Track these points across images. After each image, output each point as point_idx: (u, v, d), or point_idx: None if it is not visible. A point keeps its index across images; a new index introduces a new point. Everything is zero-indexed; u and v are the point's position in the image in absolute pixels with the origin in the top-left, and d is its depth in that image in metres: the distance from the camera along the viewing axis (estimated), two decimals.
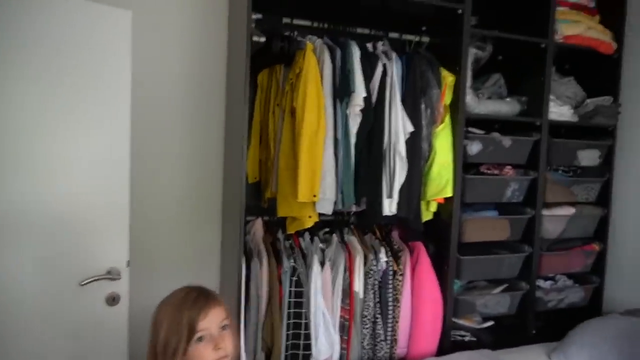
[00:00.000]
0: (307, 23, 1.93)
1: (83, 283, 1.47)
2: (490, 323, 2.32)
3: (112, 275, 1.54)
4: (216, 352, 1.06)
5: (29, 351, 1.42)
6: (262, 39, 1.72)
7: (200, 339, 1.05)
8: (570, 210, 2.25)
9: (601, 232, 2.33)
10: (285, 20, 1.90)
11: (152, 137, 2.01)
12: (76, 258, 1.49)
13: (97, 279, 1.51)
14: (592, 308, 2.34)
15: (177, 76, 2.04)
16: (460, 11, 1.93)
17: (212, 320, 1.07)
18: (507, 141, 2.09)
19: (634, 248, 2.32)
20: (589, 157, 2.24)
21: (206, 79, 2.09)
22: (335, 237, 2.02)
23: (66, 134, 1.46)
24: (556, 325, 2.25)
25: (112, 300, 1.57)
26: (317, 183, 1.75)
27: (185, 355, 1.04)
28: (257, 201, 2.14)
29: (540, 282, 2.33)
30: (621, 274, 2.36)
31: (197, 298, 1.08)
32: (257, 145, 2.09)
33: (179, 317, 1.04)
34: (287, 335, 1.80)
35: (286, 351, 1.80)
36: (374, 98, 1.86)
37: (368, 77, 1.82)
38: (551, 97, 2.15)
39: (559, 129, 2.36)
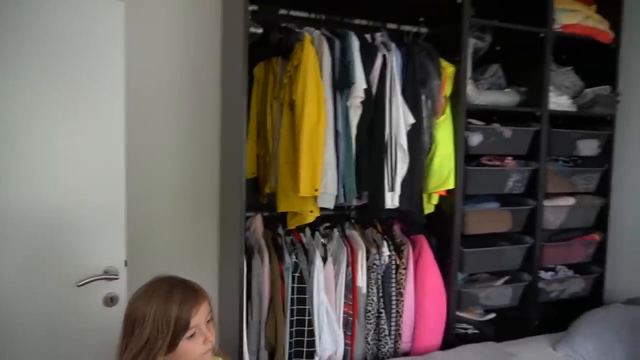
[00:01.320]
0: (304, 14, 1.89)
1: (80, 284, 1.43)
2: (492, 315, 2.31)
3: (109, 275, 1.50)
4: (205, 345, 1.04)
5: (27, 353, 1.38)
6: (259, 31, 1.68)
7: (192, 335, 1.02)
8: (570, 201, 2.24)
9: (601, 222, 2.33)
10: (282, 11, 1.86)
11: (147, 133, 1.96)
12: (72, 258, 1.45)
13: (95, 280, 1.46)
14: (594, 298, 2.33)
15: (171, 70, 1.99)
16: (459, 1, 1.90)
17: (202, 316, 1.05)
18: (507, 132, 2.08)
19: (634, 237, 2.32)
20: (588, 147, 2.23)
21: (201, 72, 2.04)
22: (336, 232, 1.99)
23: (60, 131, 1.41)
24: (558, 316, 2.25)
25: (110, 300, 1.52)
26: (319, 177, 1.72)
27: (173, 351, 1.00)
28: (256, 197, 2.10)
29: (542, 273, 2.32)
30: (622, 264, 2.35)
31: (185, 293, 1.05)
32: (254, 140, 2.05)
33: (168, 312, 1.00)
34: (291, 332, 1.77)
35: (290, 349, 1.76)
36: (374, 90, 1.83)
37: (368, 68, 1.79)
38: (550, 87, 2.14)
39: (557, 120, 2.35)
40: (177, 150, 2.04)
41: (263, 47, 1.81)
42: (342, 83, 1.74)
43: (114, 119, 1.49)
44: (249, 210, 1.98)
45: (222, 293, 2.06)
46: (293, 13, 1.88)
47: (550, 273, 2.36)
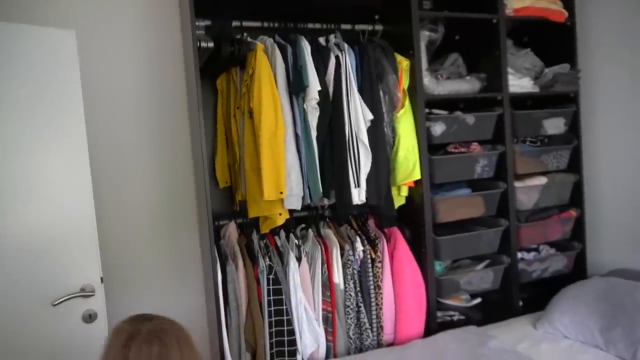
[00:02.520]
0: (257, 24, 1.94)
1: (55, 303, 1.48)
2: (477, 300, 2.34)
3: (85, 292, 1.55)
4: None
5: None
6: (210, 45, 1.74)
7: None
8: (542, 180, 2.26)
9: (577, 197, 2.34)
10: (235, 23, 1.92)
11: (119, 151, 2.03)
12: (47, 278, 1.50)
13: (71, 297, 1.52)
14: (577, 274, 2.35)
15: (138, 88, 2.06)
16: None
17: None
18: (470, 118, 2.11)
19: (611, 210, 2.34)
20: (554, 125, 2.25)
21: (168, 89, 2.11)
22: (311, 232, 2.04)
23: (24, 157, 1.47)
24: (543, 296, 2.26)
25: (89, 317, 1.58)
26: (282, 180, 1.77)
27: None
28: (230, 205, 2.16)
29: (524, 254, 2.35)
30: (601, 237, 2.37)
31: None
32: (224, 150, 2.11)
33: None
34: (271, 333, 1.81)
35: (271, 349, 1.81)
36: (331, 90, 1.88)
37: (322, 70, 1.84)
38: (510, 70, 2.18)
39: (525, 101, 2.39)
40: (151, 166, 2.10)
41: (220, 60, 1.87)
42: (296, 87, 1.79)
43: (76, 140, 1.55)
44: (223, 218, 2.05)
45: (207, 300, 2.12)
46: (246, 24, 1.94)
47: (533, 253, 2.38)
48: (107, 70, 1.98)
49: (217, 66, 1.94)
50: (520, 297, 2.29)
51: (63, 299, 1.50)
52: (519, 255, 2.31)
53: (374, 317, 1.98)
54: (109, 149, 1.99)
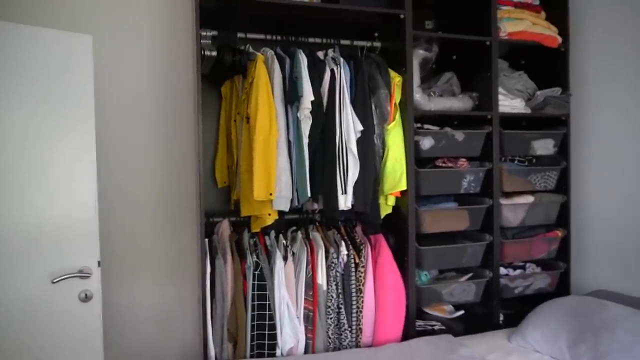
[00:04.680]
0: (261, 36, 2.08)
1: (55, 280, 1.62)
2: (460, 312, 2.40)
3: (83, 273, 1.69)
4: None
5: (3, 347, 1.57)
6: (214, 53, 1.88)
7: None
8: (529, 199, 2.33)
9: (563, 218, 2.40)
10: (241, 35, 2.06)
11: (126, 148, 2.19)
12: (49, 258, 1.65)
13: (69, 277, 1.66)
14: (560, 293, 2.39)
15: (147, 90, 2.22)
16: (402, 16, 2.07)
17: None
18: (459, 135, 2.20)
19: (596, 232, 2.38)
20: (543, 146, 2.32)
21: (176, 92, 2.26)
22: (299, 234, 2.15)
23: (36, 148, 1.63)
24: (526, 312, 2.31)
25: (85, 297, 1.71)
26: (272, 182, 1.89)
27: None
28: (227, 204, 2.29)
29: (510, 271, 2.41)
30: (587, 258, 2.42)
31: None
32: (224, 152, 2.25)
33: None
34: (252, 326, 1.92)
35: (252, 341, 1.91)
36: (325, 101, 2.00)
37: (317, 82, 1.96)
38: (502, 91, 2.26)
39: (520, 122, 2.47)
40: (156, 164, 2.25)
41: (223, 68, 2.01)
42: (290, 96, 1.92)
43: (84, 135, 1.69)
44: (218, 215, 2.18)
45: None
46: (251, 36, 2.08)
47: (519, 270, 2.44)
48: (120, 72, 2.15)
49: (222, 73, 2.08)
50: (502, 312, 2.35)
51: (62, 277, 1.64)
52: (504, 271, 2.38)
53: (353, 319, 2.07)
54: (117, 146, 2.15)
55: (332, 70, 2.00)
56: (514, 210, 2.31)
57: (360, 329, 2.08)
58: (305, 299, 2.02)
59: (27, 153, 1.61)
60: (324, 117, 1.99)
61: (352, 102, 2.03)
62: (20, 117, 1.60)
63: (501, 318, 2.34)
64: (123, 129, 2.17)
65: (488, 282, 2.28)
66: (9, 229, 1.59)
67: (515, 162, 2.33)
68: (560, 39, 2.31)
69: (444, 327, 2.30)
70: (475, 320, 2.35)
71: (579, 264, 2.42)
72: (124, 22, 2.16)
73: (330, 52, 2.10)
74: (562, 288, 2.42)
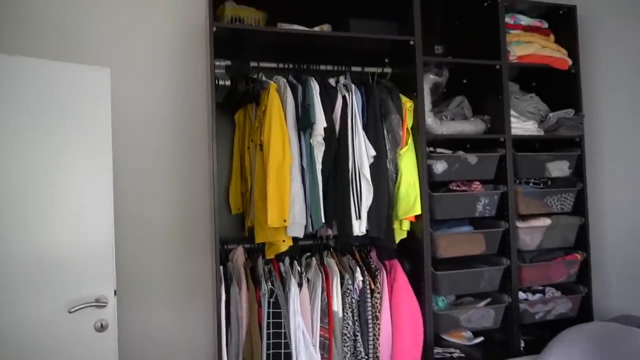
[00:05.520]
0: (273, 65, 2.12)
1: (72, 310, 1.63)
2: (480, 339, 2.35)
3: (99, 302, 1.70)
4: None
5: None
6: (227, 83, 1.92)
7: None
8: (546, 221, 2.29)
9: (582, 240, 2.35)
10: (253, 64, 2.10)
11: (142, 175, 2.21)
12: (66, 287, 1.66)
13: (85, 306, 1.66)
14: (583, 318, 2.33)
15: (163, 119, 2.25)
16: (412, 42, 2.10)
17: None
18: (472, 158, 2.20)
19: (617, 254, 2.33)
20: (558, 168, 2.30)
21: (191, 121, 2.29)
22: (314, 260, 2.13)
23: (55, 176, 1.66)
24: (547, 338, 2.25)
25: (101, 326, 1.71)
26: (286, 209, 1.89)
27: None
28: (241, 231, 2.29)
29: (529, 295, 2.36)
30: (609, 282, 2.36)
31: None
32: (238, 180, 2.27)
33: None
34: (268, 354, 1.89)
35: None
36: (337, 127, 2.02)
37: (329, 108, 1.99)
38: (514, 113, 2.26)
39: (533, 144, 2.46)
40: (171, 191, 2.26)
41: (237, 97, 2.05)
42: (303, 123, 1.94)
43: (102, 166, 1.73)
44: (233, 242, 2.18)
45: (213, 320, 2.22)
46: (263, 64, 2.12)
47: (538, 295, 2.39)
48: (136, 101, 2.20)
49: (236, 102, 2.12)
50: (523, 339, 2.29)
51: (79, 307, 1.65)
52: (523, 296, 2.32)
53: (370, 346, 2.03)
54: (133, 173, 2.18)
55: (344, 97, 2.03)
56: (531, 233, 2.28)
57: (377, 356, 2.03)
58: (321, 326, 2.00)
59: (45, 182, 1.65)
60: (337, 143, 2.00)
61: (365, 128, 2.04)
62: (40, 146, 1.64)
63: (522, 344, 2.27)
64: (139, 156, 2.21)
65: (507, 307, 2.23)
66: (27, 256, 1.61)
67: (530, 184, 2.31)
68: (570, 61, 2.32)
69: (462, 355, 2.24)
70: (495, 347, 2.29)
71: (600, 288, 2.36)
72: (140, 53, 2.23)
73: (342, 79, 2.13)
74: (584, 313, 2.35)
